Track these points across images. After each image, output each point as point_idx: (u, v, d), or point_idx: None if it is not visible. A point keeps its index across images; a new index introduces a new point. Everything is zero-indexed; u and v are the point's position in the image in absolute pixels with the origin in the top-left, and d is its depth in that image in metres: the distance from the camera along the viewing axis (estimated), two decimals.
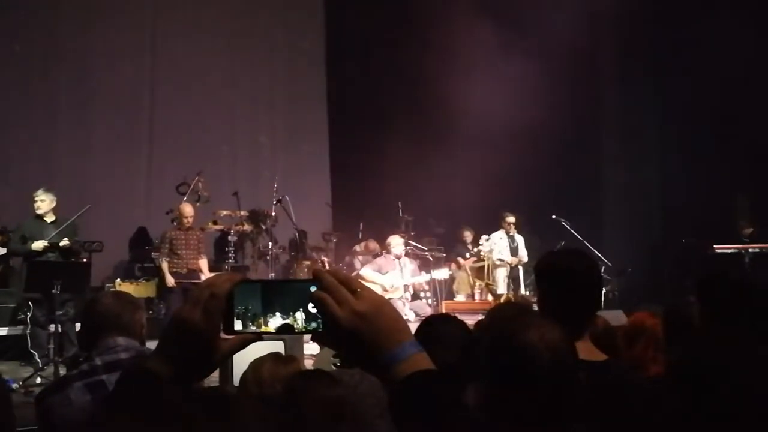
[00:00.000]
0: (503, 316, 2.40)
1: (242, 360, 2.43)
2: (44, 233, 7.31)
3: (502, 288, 9.69)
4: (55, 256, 7.29)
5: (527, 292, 9.60)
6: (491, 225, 10.00)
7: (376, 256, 9.18)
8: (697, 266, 9.66)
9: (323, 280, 1.01)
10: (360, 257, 9.97)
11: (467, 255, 10.34)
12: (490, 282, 9.69)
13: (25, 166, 9.58)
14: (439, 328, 2.37)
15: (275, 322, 1.03)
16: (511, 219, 9.83)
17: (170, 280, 8.15)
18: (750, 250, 9.88)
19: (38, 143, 9.92)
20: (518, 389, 1.47)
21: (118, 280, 9.02)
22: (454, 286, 10.29)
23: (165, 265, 8.23)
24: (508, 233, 9.83)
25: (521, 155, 10.70)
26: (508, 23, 10.60)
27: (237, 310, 1.04)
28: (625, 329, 3.23)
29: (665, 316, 3.11)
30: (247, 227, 9.77)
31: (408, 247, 9.30)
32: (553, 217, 10.19)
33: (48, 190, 7.52)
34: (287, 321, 1.03)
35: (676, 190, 11.06)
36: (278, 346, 3.42)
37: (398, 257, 8.50)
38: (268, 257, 9.72)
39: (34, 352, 7.14)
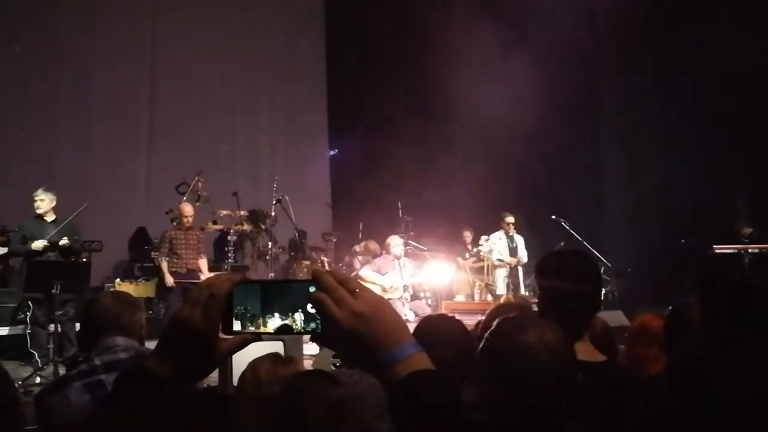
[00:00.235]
0: (503, 316, 2.39)
1: (241, 360, 2.43)
2: (44, 233, 7.31)
3: (501, 288, 9.69)
4: (55, 256, 7.29)
5: (527, 293, 9.60)
6: (491, 225, 10.00)
7: (375, 256, 9.18)
8: (697, 266, 9.66)
9: (322, 281, 1.01)
10: (360, 257, 9.97)
11: (467, 255, 10.34)
12: (490, 282, 9.69)
13: (25, 166, 9.58)
14: (437, 327, 2.37)
15: (274, 322, 1.03)
16: (511, 219, 9.83)
17: (170, 280, 8.15)
18: (750, 250, 9.88)
19: (38, 143, 9.93)
20: (517, 389, 1.47)
21: (118, 279, 9.03)
22: (454, 287, 10.29)
23: (164, 265, 8.23)
24: (507, 233, 9.83)
25: (521, 155, 10.71)
26: (507, 24, 10.60)
27: (236, 311, 1.04)
28: (631, 329, 3.25)
29: (667, 316, 3.12)
30: (246, 227, 9.78)
31: (408, 247, 9.30)
32: (553, 217, 10.19)
33: (48, 189, 7.52)
34: (286, 321, 1.03)
35: (676, 190, 11.05)
36: (278, 347, 3.41)
37: (398, 257, 8.49)
38: (267, 257, 9.73)
39: (33, 351, 7.15)
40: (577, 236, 9.91)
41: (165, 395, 1.01)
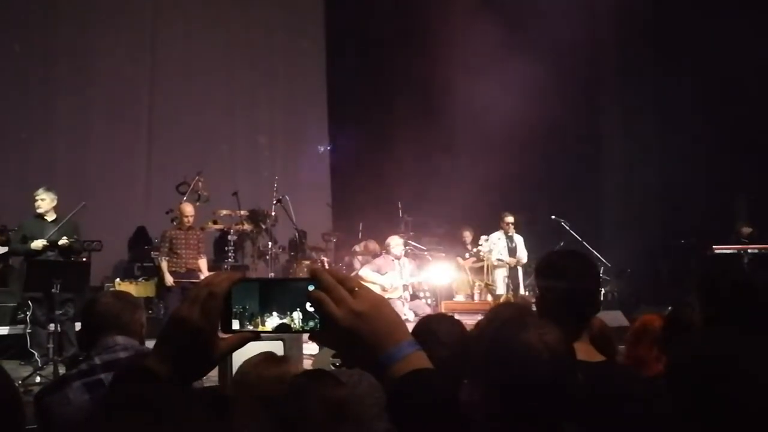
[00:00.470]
0: (502, 316, 2.40)
1: (241, 359, 2.43)
2: (45, 232, 7.30)
3: (501, 288, 9.69)
4: (54, 255, 7.29)
5: (526, 293, 9.59)
6: (491, 225, 9.99)
7: (375, 256, 9.18)
8: (696, 267, 9.66)
9: (321, 279, 1.01)
10: (359, 257, 9.96)
11: (466, 255, 10.33)
12: (490, 282, 9.68)
13: (25, 166, 9.59)
14: (436, 327, 2.37)
15: (273, 321, 1.03)
16: (510, 219, 9.82)
17: (169, 280, 8.15)
18: (749, 250, 9.88)
19: (38, 143, 9.93)
20: (517, 389, 1.47)
21: (118, 279, 9.03)
22: (454, 286, 10.29)
23: (164, 265, 8.23)
24: (507, 233, 9.82)
25: (521, 155, 10.70)
26: (507, 24, 10.59)
27: (235, 309, 1.04)
28: (632, 329, 3.26)
29: (667, 316, 3.13)
30: (246, 227, 9.78)
31: (408, 248, 9.30)
32: (553, 217, 10.19)
33: (48, 189, 7.52)
34: (285, 320, 1.03)
35: (675, 191, 11.05)
36: (277, 346, 3.41)
37: (397, 258, 8.49)
38: (267, 257, 9.73)
39: (33, 351, 7.15)
40: (576, 236, 9.92)
41: (164, 394, 1.01)
